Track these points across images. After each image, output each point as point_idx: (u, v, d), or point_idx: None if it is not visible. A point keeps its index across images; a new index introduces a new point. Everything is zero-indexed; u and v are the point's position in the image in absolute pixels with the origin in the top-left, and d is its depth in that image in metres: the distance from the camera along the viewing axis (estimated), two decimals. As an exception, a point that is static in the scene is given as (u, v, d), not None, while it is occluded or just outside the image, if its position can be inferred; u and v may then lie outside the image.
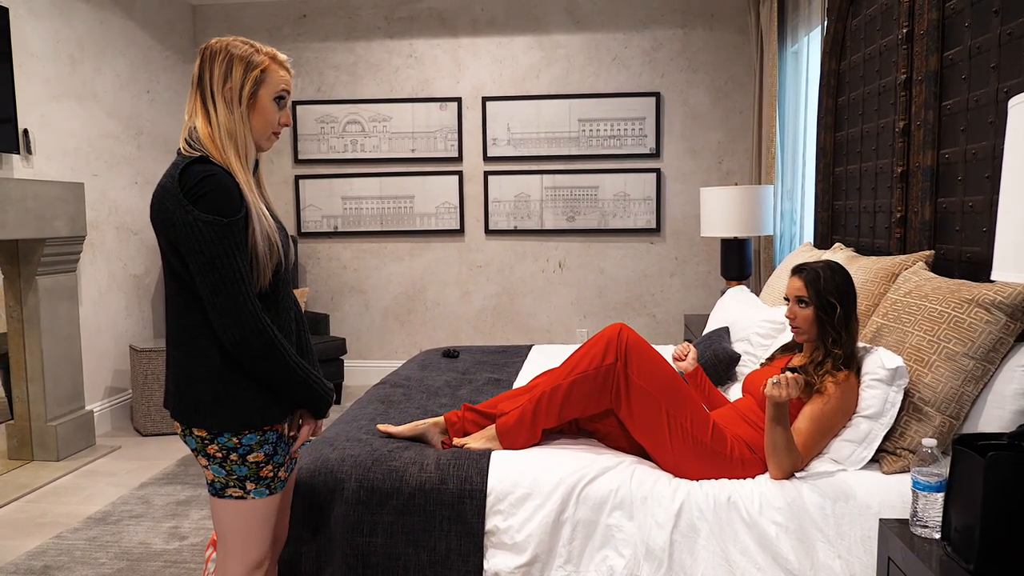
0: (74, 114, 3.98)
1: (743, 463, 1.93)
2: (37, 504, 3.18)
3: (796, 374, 1.77)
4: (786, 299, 2.03)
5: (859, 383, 1.90)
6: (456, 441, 2.12)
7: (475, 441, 2.09)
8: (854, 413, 1.88)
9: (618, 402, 2.01)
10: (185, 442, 1.51)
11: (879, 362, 1.84)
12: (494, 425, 2.11)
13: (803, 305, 1.97)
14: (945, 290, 1.89)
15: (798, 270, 2.00)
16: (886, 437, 1.86)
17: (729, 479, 1.91)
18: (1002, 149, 1.23)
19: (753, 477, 1.92)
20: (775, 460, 1.84)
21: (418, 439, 2.16)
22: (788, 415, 1.81)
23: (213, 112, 1.46)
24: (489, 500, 1.89)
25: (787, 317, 2.02)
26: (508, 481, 1.91)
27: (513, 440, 2.06)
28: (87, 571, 2.53)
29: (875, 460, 1.89)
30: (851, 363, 1.92)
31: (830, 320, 1.92)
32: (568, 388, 2.03)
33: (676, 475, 1.94)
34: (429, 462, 1.97)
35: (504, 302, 5.13)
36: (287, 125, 1.56)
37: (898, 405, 1.82)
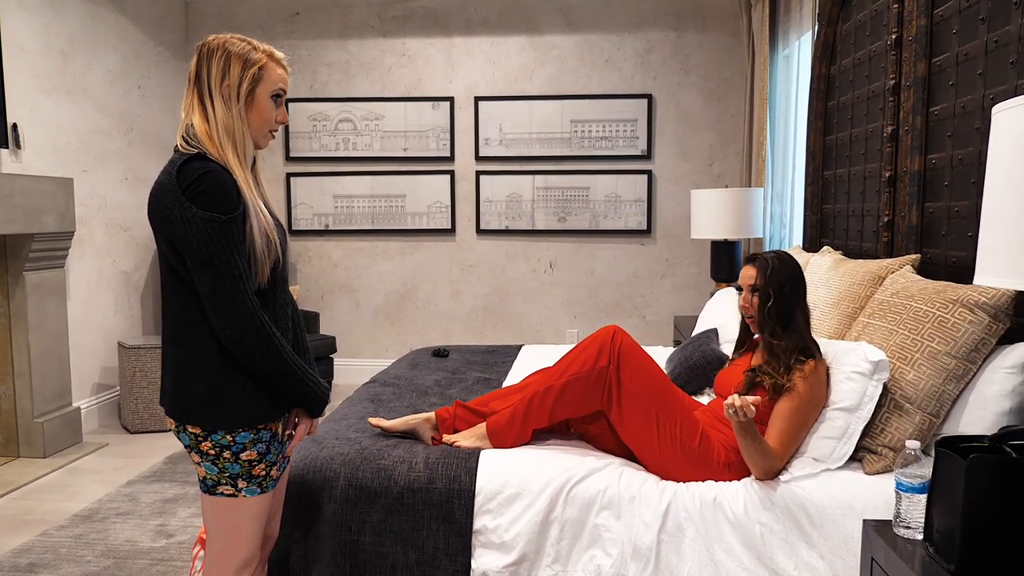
0: (64, 109, 3.96)
1: (729, 467, 1.95)
2: (23, 501, 3.16)
3: (750, 397, 1.75)
4: (738, 288, 2.05)
5: (828, 374, 1.92)
6: (446, 438, 2.12)
7: (465, 439, 2.10)
8: (825, 405, 1.90)
9: (609, 405, 2.02)
10: (178, 438, 1.51)
11: (862, 355, 1.86)
12: (484, 423, 2.12)
13: (756, 293, 2.00)
14: (931, 291, 1.92)
15: (751, 259, 2.03)
16: (867, 435, 1.88)
17: (716, 481, 1.93)
18: (987, 155, 1.25)
19: (739, 479, 1.94)
20: (754, 466, 1.86)
21: (409, 434, 2.17)
22: (754, 426, 1.82)
23: (211, 109, 1.46)
24: (478, 499, 1.90)
25: (742, 305, 2.04)
26: (497, 481, 1.92)
27: (503, 439, 2.07)
28: (73, 569, 2.52)
29: (857, 460, 1.91)
30: (808, 353, 1.93)
31: (766, 309, 1.94)
32: (560, 389, 2.04)
33: (663, 478, 1.96)
34: (418, 461, 1.98)
35: (495, 302, 5.14)
36: (284, 123, 1.57)
37: (876, 399, 1.84)
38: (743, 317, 2.11)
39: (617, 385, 2.01)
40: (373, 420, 2.20)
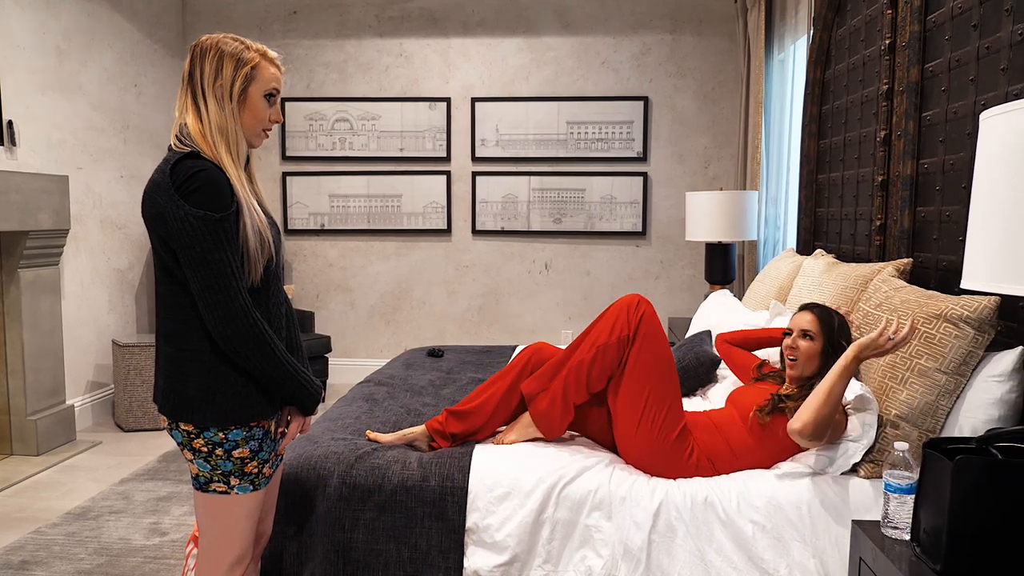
0: (59, 106, 3.96)
1: (697, 468, 1.97)
2: (16, 499, 3.16)
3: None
4: (786, 332, 2.04)
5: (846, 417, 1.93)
6: (495, 440, 2.13)
7: (511, 433, 2.12)
8: (838, 438, 1.88)
9: (620, 372, 2.05)
10: (171, 436, 1.52)
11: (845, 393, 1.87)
12: (527, 414, 2.12)
13: (808, 339, 1.99)
14: (914, 304, 1.90)
15: (810, 307, 2.04)
16: (866, 452, 1.88)
17: (705, 479, 1.94)
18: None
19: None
20: (817, 406, 1.74)
21: (407, 447, 2.16)
22: (853, 375, 1.78)
23: (204, 109, 1.47)
24: (470, 498, 1.91)
25: (788, 347, 2.02)
26: (489, 479, 1.93)
27: (550, 423, 2.08)
28: (66, 566, 2.52)
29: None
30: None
31: (834, 360, 1.91)
32: (591, 361, 2.05)
33: (627, 459, 2.00)
34: (411, 459, 1.99)
35: (490, 302, 5.15)
36: (278, 122, 1.58)
37: (875, 425, 1.84)
38: (782, 357, 2.08)
39: (628, 353, 2.03)
40: (371, 434, 2.17)
